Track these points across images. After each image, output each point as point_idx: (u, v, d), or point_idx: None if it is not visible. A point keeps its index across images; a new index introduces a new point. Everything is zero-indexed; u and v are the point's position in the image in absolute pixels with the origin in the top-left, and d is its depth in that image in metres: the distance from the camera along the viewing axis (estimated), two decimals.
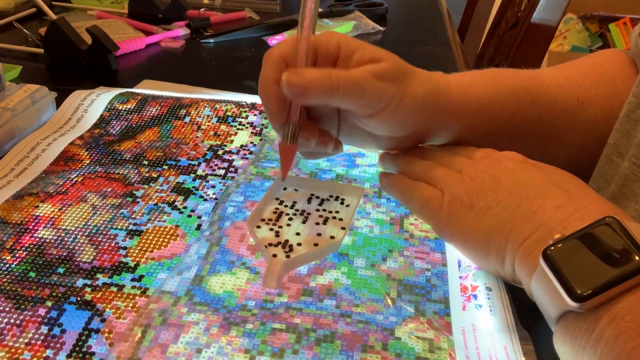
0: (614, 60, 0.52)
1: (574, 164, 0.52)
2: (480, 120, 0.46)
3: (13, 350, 0.31)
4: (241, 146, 0.53)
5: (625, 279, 0.26)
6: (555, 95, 0.49)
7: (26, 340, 0.32)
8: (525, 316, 0.35)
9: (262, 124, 0.57)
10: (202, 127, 0.55)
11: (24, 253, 0.38)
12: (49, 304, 0.35)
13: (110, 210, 0.43)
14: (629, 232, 0.27)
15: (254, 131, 0.55)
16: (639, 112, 0.42)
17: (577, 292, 0.26)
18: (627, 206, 0.42)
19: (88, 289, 0.36)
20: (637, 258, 0.26)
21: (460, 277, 0.38)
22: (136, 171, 0.48)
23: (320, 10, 0.95)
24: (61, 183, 0.46)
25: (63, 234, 0.40)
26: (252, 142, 0.54)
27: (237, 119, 0.57)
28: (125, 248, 0.39)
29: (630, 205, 0.41)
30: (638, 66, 0.49)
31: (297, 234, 0.41)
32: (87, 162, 0.49)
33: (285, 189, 0.46)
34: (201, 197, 0.46)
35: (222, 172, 0.49)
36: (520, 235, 0.32)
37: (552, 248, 0.28)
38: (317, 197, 0.45)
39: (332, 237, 0.40)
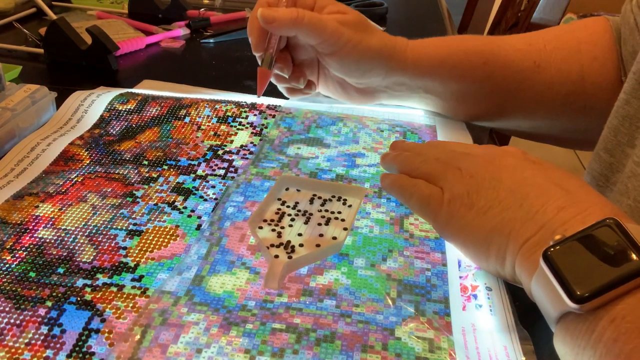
0: (589, 27, 0.55)
1: (532, 120, 0.56)
2: (434, 77, 0.53)
3: (13, 350, 0.31)
4: (241, 146, 0.53)
5: (625, 280, 0.26)
6: (510, 58, 0.54)
7: (26, 340, 0.32)
8: (525, 316, 0.35)
9: (262, 124, 0.57)
10: (202, 127, 0.55)
11: (24, 253, 0.38)
12: (49, 304, 0.35)
13: (110, 210, 0.43)
14: (629, 233, 0.27)
15: (254, 131, 0.55)
16: (627, 109, 0.42)
17: (577, 294, 0.26)
18: (619, 201, 0.42)
19: (88, 289, 0.36)
20: (637, 260, 0.26)
21: (460, 277, 0.38)
22: (136, 171, 0.48)
23: None
24: (61, 183, 0.46)
25: (63, 234, 0.40)
26: (252, 142, 0.54)
27: (237, 119, 0.57)
28: (125, 248, 0.39)
29: (622, 200, 0.41)
30: (622, 32, 0.50)
31: (299, 234, 0.41)
32: (87, 162, 0.49)
33: (287, 189, 0.46)
34: (201, 197, 0.46)
35: (222, 172, 0.49)
36: (521, 236, 0.32)
37: (553, 249, 0.28)
38: (320, 198, 0.45)
39: (334, 238, 0.40)
